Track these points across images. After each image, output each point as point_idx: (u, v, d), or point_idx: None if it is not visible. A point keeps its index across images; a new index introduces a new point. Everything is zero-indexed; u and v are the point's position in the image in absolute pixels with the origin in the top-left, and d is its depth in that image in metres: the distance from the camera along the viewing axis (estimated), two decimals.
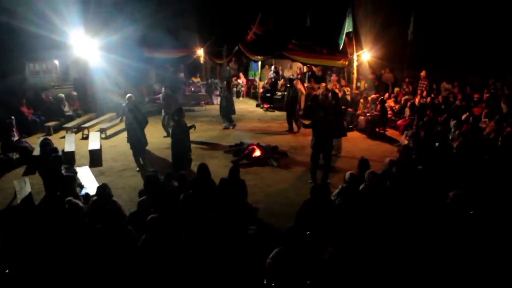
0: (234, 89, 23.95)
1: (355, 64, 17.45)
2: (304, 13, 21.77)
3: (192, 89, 22.36)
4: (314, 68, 22.15)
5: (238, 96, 24.00)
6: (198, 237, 6.14)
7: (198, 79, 23.53)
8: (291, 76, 21.21)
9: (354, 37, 17.05)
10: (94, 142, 13.71)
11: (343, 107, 16.77)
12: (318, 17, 21.61)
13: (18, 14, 15.64)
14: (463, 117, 13.91)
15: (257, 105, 21.77)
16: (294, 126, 16.43)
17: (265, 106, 21.07)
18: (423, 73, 19.28)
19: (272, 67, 23.34)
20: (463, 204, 6.71)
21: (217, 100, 21.16)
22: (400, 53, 19.77)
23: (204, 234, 6.20)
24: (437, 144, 10.68)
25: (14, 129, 13.85)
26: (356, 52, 17.27)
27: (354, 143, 14.96)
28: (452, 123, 12.99)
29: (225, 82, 17.61)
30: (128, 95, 12.48)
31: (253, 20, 19.44)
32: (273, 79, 22.03)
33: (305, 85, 20.56)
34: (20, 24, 15.42)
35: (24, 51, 17.63)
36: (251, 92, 24.53)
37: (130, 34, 19.11)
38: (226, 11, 21.81)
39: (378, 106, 16.05)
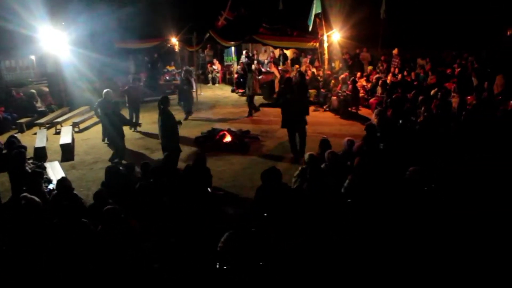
0: (210, 75, 23.94)
1: (325, 45, 17.49)
2: None
3: (167, 77, 22.29)
4: (287, 51, 22.17)
5: (214, 83, 24.04)
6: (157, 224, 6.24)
7: (173, 67, 23.46)
8: (264, 60, 21.31)
9: (323, 18, 17.05)
10: (65, 136, 13.66)
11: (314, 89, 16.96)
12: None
13: None
14: (432, 92, 14.03)
15: (232, 91, 21.78)
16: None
17: (240, 91, 21.06)
18: (395, 51, 19.40)
19: (244, 52, 23.26)
20: (420, 180, 6.82)
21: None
22: (374, 32, 19.82)
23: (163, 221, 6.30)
24: (400, 121, 10.77)
25: None
26: (326, 32, 17.29)
27: (327, 123, 15.10)
28: (420, 99, 13.08)
29: (182, 73, 17.17)
30: (105, 90, 12.40)
31: (223, 6, 19.30)
32: (245, 64, 21.97)
33: (279, 68, 20.62)
34: None
35: None
36: (226, 78, 24.50)
37: (102, 27, 19.02)
38: None
39: (350, 86, 16.13)
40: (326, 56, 18.10)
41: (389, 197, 6.66)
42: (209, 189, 8.23)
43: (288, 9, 21.23)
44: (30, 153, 12.67)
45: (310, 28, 17.06)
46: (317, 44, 17.42)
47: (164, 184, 7.36)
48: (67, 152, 12.80)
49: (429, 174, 7.44)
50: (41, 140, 13.30)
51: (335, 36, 17.93)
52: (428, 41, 19.69)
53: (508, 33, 19.56)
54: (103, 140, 13.69)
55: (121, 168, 8.07)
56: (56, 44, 17.16)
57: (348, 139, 8.91)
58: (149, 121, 15.52)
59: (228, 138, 12.74)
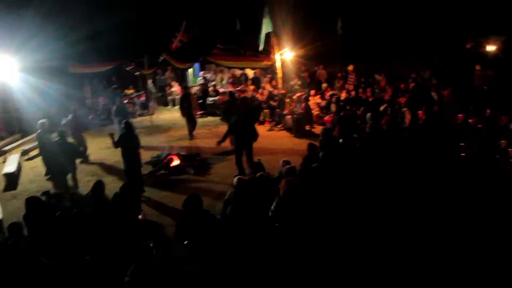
0: (169, 97, 23.73)
1: (278, 64, 17.46)
2: (234, 17, 21.72)
3: (125, 101, 21.94)
4: (247, 71, 22.15)
5: (174, 105, 23.81)
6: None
7: (132, 91, 23.18)
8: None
9: (275, 36, 17.07)
10: (10, 165, 13.32)
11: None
12: (248, 20, 21.55)
13: None
14: (381, 108, 14.10)
15: None
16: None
17: (198, 113, 20.79)
18: (350, 67, 19.51)
19: (200, 73, 23.12)
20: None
21: (152, 110, 21.09)
22: (330, 49, 19.87)
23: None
24: (341, 140, 10.69)
25: None
26: (278, 51, 17.26)
27: (280, 142, 15.04)
28: (368, 115, 13.08)
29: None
30: (40, 121, 12.10)
31: (177, 28, 19.18)
32: (203, 86, 21.88)
33: (237, 88, 20.55)
34: None
35: None
36: None
37: (54, 51, 18.68)
38: (151, 20, 21.48)
39: (303, 104, 16.12)
40: (279, 75, 18.02)
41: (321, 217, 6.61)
42: (140, 216, 8.03)
43: (246, 29, 21.24)
44: None
45: (261, 47, 17.02)
46: (270, 63, 17.42)
47: (87, 214, 7.12)
48: (10, 182, 12.47)
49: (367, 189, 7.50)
50: None
51: (288, 55, 17.92)
52: (385, 56, 19.89)
53: (468, 46, 19.85)
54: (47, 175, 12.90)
55: (43, 198, 7.81)
56: (5, 70, 16.72)
57: (283, 160, 8.79)
58: (103, 146, 15.25)
59: (176, 162, 12.56)
